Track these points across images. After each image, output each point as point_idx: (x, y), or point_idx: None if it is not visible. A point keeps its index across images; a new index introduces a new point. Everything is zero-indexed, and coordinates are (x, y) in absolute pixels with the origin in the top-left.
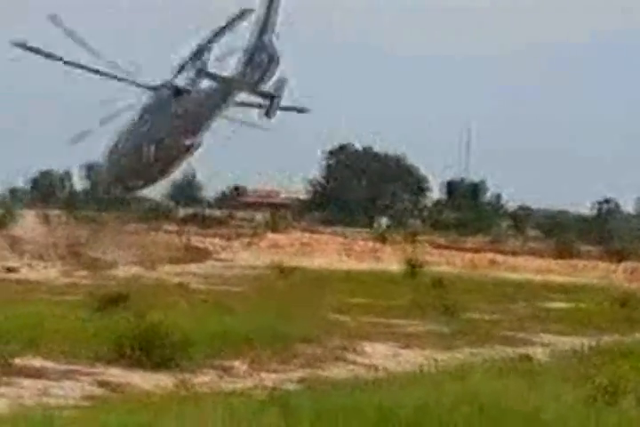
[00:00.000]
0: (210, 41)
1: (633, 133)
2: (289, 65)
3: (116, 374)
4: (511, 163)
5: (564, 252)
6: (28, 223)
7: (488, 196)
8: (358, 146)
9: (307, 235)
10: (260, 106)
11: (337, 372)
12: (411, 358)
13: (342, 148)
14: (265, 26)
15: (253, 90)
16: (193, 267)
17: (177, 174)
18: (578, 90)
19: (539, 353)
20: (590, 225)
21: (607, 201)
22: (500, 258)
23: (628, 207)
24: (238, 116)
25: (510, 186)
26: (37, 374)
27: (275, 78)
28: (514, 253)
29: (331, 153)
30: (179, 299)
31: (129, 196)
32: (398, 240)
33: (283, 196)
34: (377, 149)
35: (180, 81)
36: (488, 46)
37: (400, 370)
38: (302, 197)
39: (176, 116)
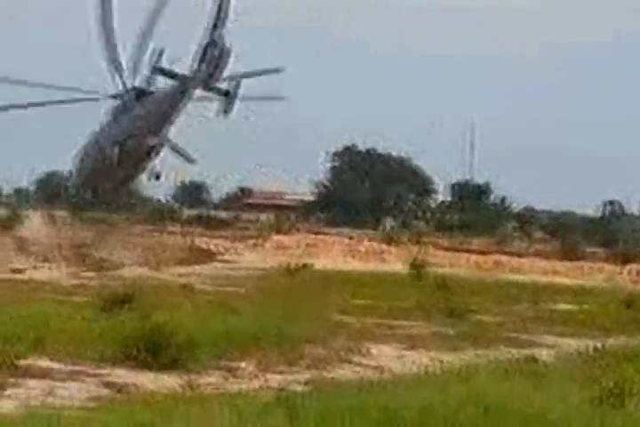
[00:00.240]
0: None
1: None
2: (293, 66)
3: (121, 374)
4: (516, 164)
5: (569, 253)
6: (33, 224)
7: (493, 197)
8: (363, 147)
9: (312, 236)
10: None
11: (342, 373)
12: (416, 360)
13: (347, 149)
14: (216, 21)
15: (208, 86)
16: (198, 268)
17: (182, 176)
18: (584, 90)
19: (544, 355)
20: (595, 227)
21: (612, 203)
22: (505, 259)
23: (634, 209)
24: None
25: (515, 187)
26: (43, 374)
27: (229, 74)
28: (519, 255)
29: (335, 155)
30: (184, 300)
31: (100, 200)
32: (403, 241)
33: (288, 197)
34: (381, 150)
35: (142, 82)
36: (494, 46)
37: (405, 371)
38: (307, 198)
39: (138, 118)
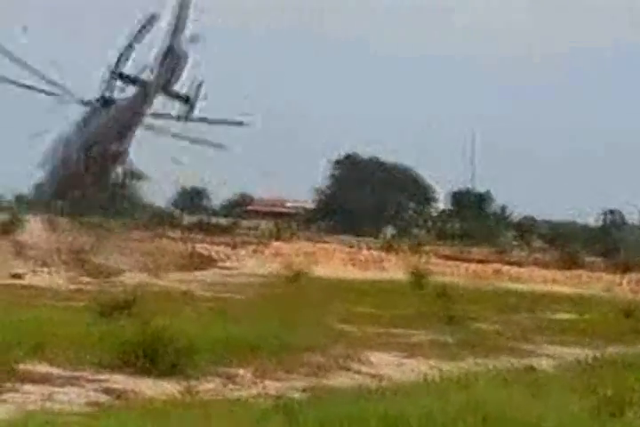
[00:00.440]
0: (127, 48)
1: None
2: (291, 68)
3: (120, 380)
4: (516, 172)
5: (568, 263)
6: (33, 229)
7: (493, 206)
8: (364, 155)
9: (312, 244)
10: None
11: (342, 381)
12: (415, 368)
13: (348, 157)
14: (174, 27)
15: (167, 92)
16: (198, 274)
17: (183, 181)
18: (588, 99)
19: (543, 364)
20: (596, 236)
21: (612, 212)
22: (504, 268)
23: (634, 219)
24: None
25: (515, 196)
26: (42, 379)
27: (188, 81)
28: (519, 264)
29: (337, 162)
30: (184, 306)
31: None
32: (404, 250)
33: (288, 205)
34: (383, 158)
35: (108, 90)
36: (490, 48)
37: (405, 379)
38: (308, 206)
39: (103, 124)
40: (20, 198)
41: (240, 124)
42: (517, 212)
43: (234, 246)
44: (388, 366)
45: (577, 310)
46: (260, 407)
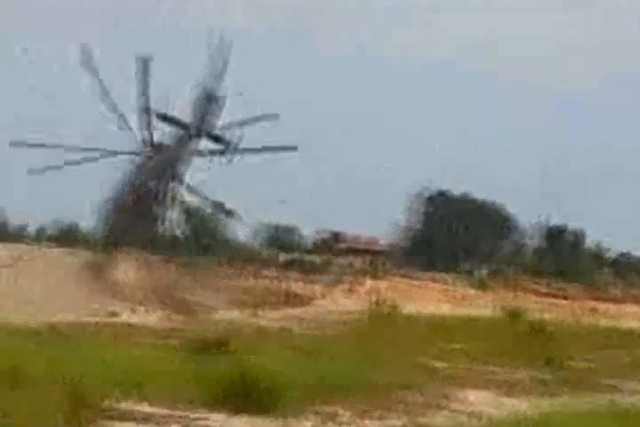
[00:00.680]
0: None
1: None
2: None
3: (217, 419)
4: (610, 209)
5: None
6: (128, 267)
7: (588, 242)
8: (456, 192)
9: (404, 281)
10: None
11: (440, 420)
12: (513, 405)
13: (440, 194)
14: (214, 73)
15: (206, 134)
16: (292, 312)
17: (277, 219)
18: None
19: None
20: None
21: None
22: (601, 306)
23: None
24: None
25: (611, 232)
26: (140, 418)
27: (228, 123)
28: (615, 301)
29: (429, 199)
30: (278, 344)
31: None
32: (497, 287)
33: (381, 242)
34: (475, 195)
35: (148, 130)
36: (578, 78)
37: (503, 417)
38: (401, 243)
39: (150, 167)
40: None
41: (294, 149)
42: (612, 248)
43: (327, 284)
44: (486, 404)
45: None
46: None
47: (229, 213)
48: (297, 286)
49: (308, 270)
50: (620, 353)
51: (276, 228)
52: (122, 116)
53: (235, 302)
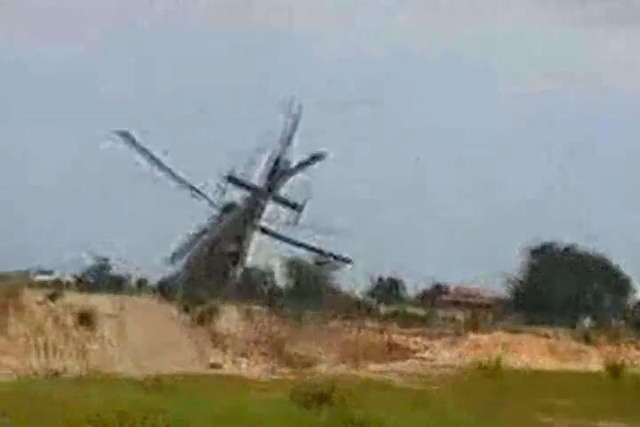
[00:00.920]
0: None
1: None
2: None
3: None
4: None
5: None
6: (230, 319)
7: None
8: (560, 244)
9: (508, 335)
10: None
11: None
12: None
13: (545, 247)
14: (282, 141)
15: (276, 198)
16: (395, 365)
17: (378, 271)
18: None
19: None
20: None
21: None
22: None
23: None
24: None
25: None
26: None
27: (298, 189)
28: None
29: (533, 252)
30: (383, 397)
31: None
32: (602, 341)
33: (484, 295)
34: (580, 248)
35: (219, 192)
36: None
37: None
38: (503, 296)
39: (224, 226)
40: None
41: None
42: None
43: (430, 337)
44: None
45: None
46: None
47: (343, 260)
48: (399, 339)
49: (410, 322)
50: None
51: (380, 279)
52: (192, 187)
53: (338, 355)
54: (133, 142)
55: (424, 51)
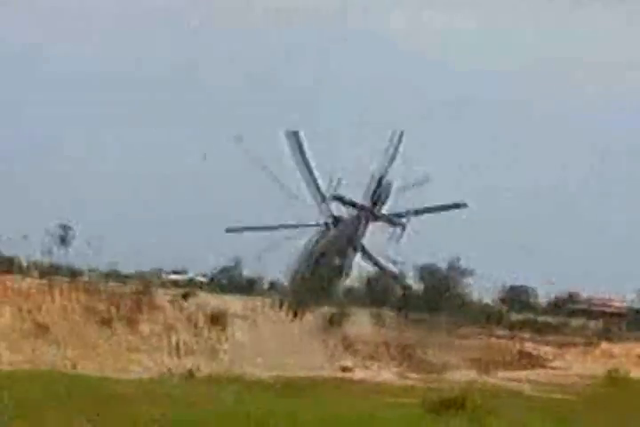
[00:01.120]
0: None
1: None
2: None
3: None
4: None
5: None
6: (361, 323)
7: None
8: None
9: None
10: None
11: None
12: None
13: None
14: (387, 159)
15: (380, 217)
16: (526, 373)
17: (511, 280)
18: None
19: None
20: None
21: None
22: None
23: None
24: None
25: None
26: None
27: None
28: None
29: None
30: (515, 405)
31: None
32: None
33: (617, 304)
34: None
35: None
36: None
37: None
38: (637, 306)
39: (329, 241)
40: (349, 291)
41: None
42: None
43: (561, 346)
44: None
45: None
46: None
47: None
48: (529, 347)
49: (540, 331)
50: None
51: (510, 287)
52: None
53: (468, 361)
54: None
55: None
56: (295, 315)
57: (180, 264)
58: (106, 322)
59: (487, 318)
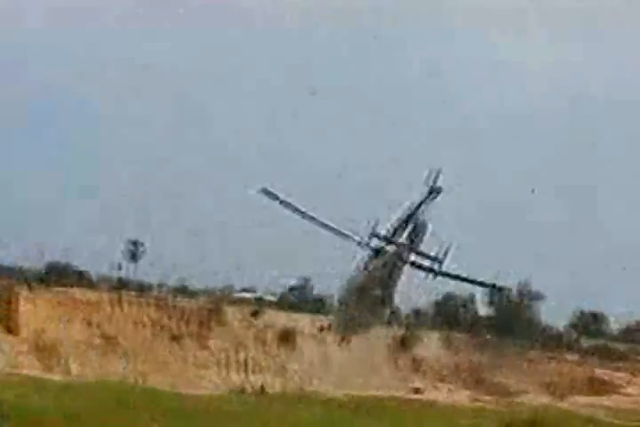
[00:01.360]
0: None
1: None
2: None
3: None
4: None
5: None
6: (430, 345)
7: None
8: None
9: None
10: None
11: None
12: None
13: None
14: (422, 201)
15: (418, 253)
16: (598, 399)
17: (581, 304)
18: None
19: None
20: None
21: None
22: None
23: None
24: None
25: None
26: None
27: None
28: None
29: None
30: None
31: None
32: None
33: None
34: None
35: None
36: None
37: None
38: None
39: (373, 271)
40: (418, 313)
41: (495, 288)
42: None
43: (633, 372)
44: None
45: None
46: None
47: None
48: (601, 373)
49: (611, 357)
50: None
51: (582, 312)
52: (343, 233)
53: (538, 385)
54: (277, 198)
55: None
56: (342, 339)
57: (249, 282)
58: (176, 337)
59: (557, 342)
